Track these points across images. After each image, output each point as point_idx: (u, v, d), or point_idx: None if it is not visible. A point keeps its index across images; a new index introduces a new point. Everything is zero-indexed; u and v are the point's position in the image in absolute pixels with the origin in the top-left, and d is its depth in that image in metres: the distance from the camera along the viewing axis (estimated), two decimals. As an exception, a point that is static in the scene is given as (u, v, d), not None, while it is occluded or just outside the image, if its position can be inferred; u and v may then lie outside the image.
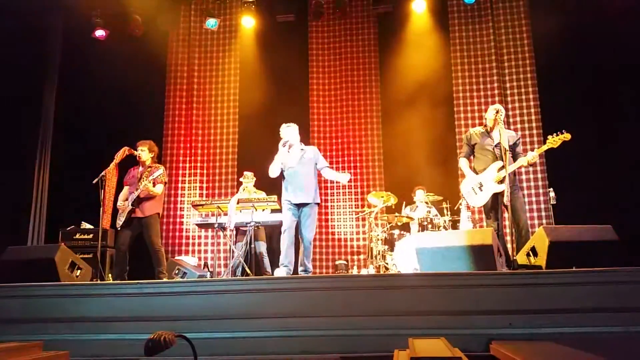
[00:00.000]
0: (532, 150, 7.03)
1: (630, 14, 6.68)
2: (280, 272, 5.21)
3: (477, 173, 5.22)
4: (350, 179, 6.75)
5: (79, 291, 3.74)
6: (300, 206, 5.44)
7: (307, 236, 5.42)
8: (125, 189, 5.80)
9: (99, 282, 5.00)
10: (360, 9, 8.52)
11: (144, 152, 5.77)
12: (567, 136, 4.80)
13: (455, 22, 8.19)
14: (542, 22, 7.60)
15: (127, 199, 5.65)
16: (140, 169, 5.77)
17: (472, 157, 5.38)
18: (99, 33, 8.21)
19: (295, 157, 5.52)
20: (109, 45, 8.18)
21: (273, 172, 5.54)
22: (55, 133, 8.04)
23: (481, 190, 5.08)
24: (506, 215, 4.82)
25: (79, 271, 4.49)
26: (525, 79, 7.75)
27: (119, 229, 5.63)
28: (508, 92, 7.85)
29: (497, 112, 5.05)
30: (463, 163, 5.39)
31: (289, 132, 5.64)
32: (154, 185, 5.61)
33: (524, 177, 7.42)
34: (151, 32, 8.32)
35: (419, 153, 7.68)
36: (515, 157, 5.12)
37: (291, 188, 5.48)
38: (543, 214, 7.30)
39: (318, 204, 5.54)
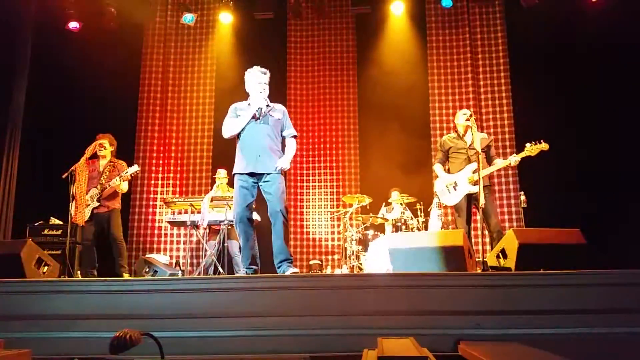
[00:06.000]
0: (505, 154, 7.22)
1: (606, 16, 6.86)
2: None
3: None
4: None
5: (45, 288, 3.64)
6: (258, 178, 4.28)
7: (276, 207, 4.17)
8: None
9: (65, 278, 4.89)
10: (338, 9, 8.53)
11: (106, 147, 5.76)
12: (545, 146, 4.97)
13: (433, 26, 8.28)
14: (518, 27, 7.76)
15: (87, 193, 5.62)
16: (102, 162, 5.73)
17: (446, 163, 5.46)
18: (73, 25, 8.03)
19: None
20: (83, 38, 8.00)
21: (233, 129, 4.33)
22: (24, 127, 7.83)
23: (455, 190, 5.18)
24: (478, 217, 4.90)
25: (46, 267, 4.37)
26: (499, 84, 7.89)
27: (82, 225, 5.59)
28: (482, 96, 7.96)
29: (470, 115, 5.13)
30: (437, 168, 5.47)
31: (265, 81, 4.44)
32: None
33: (495, 180, 7.52)
34: (126, 26, 8.15)
35: (395, 154, 7.74)
36: (489, 160, 5.24)
37: (247, 151, 4.28)
38: (514, 216, 7.43)
39: (285, 174, 4.42)
